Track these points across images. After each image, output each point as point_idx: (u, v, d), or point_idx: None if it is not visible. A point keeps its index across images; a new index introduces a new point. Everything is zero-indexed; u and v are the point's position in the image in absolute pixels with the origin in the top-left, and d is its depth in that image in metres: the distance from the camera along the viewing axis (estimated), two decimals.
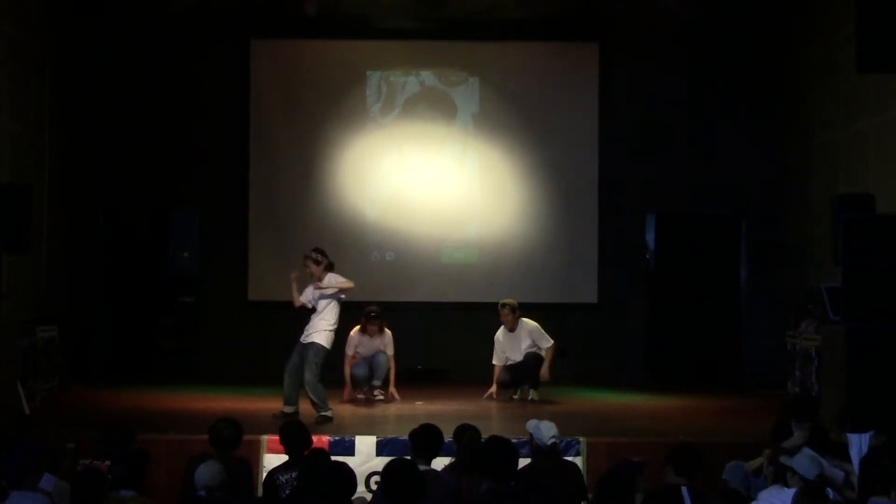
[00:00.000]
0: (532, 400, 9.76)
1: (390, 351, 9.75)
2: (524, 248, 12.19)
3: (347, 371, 9.70)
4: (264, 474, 7.37)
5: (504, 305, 9.87)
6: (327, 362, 8.83)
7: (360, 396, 9.71)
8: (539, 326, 9.91)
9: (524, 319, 9.89)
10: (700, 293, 12.45)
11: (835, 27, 10.20)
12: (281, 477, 6.03)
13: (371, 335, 9.69)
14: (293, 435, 6.28)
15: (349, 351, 9.69)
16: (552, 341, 9.88)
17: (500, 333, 9.95)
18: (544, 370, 9.75)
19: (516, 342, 9.84)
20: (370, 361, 9.73)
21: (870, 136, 9.58)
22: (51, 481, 5.39)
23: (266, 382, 10.94)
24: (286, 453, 6.30)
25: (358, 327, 9.71)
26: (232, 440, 6.18)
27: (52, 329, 10.25)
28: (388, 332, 9.80)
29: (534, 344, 9.82)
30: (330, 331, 8.74)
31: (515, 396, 9.89)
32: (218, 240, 12.19)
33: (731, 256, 12.50)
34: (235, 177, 12.16)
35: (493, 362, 9.98)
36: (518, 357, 9.83)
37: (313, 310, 8.84)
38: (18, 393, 8.67)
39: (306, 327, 8.83)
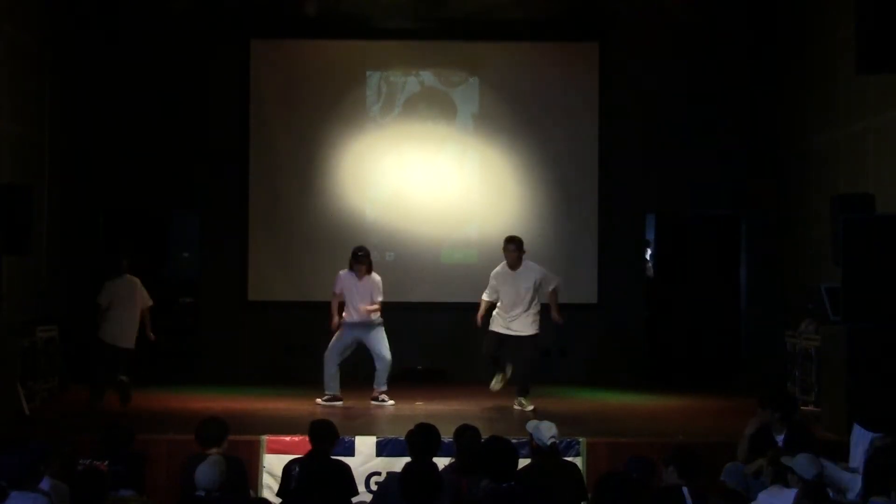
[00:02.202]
0: (523, 410, 9.12)
1: (379, 297, 9.47)
2: (534, 262, 12.17)
3: (335, 305, 9.50)
4: (264, 474, 7.42)
5: (511, 241, 9.36)
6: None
7: (332, 401, 9.45)
8: (544, 269, 9.48)
9: (528, 261, 9.43)
10: (700, 293, 12.45)
11: (835, 27, 10.20)
12: (294, 468, 6.13)
13: (360, 276, 9.43)
14: (319, 430, 6.31)
15: (336, 289, 9.49)
16: (558, 279, 9.45)
17: (500, 269, 9.39)
18: (556, 314, 9.27)
19: (517, 281, 9.29)
20: (365, 341, 9.50)
21: (870, 136, 9.58)
22: (47, 482, 5.39)
23: (266, 382, 10.99)
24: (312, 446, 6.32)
25: (346, 269, 9.54)
26: (218, 437, 6.18)
27: (52, 329, 10.25)
28: (376, 276, 9.53)
29: (537, 285, 9.27)
30: None
31: (497, 386, 9.35)
32: (218, 240, 12.18)
33: (731, 256, 12.51)
34: (235, 177, 12.16)
35: (483, 297, 9.46)
36: (515, 297, 9.24)
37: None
38: (18, 393, 8.67)
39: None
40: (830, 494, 5.26)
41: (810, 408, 9.31)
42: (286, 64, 12.32)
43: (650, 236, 12.62)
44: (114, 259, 9.83)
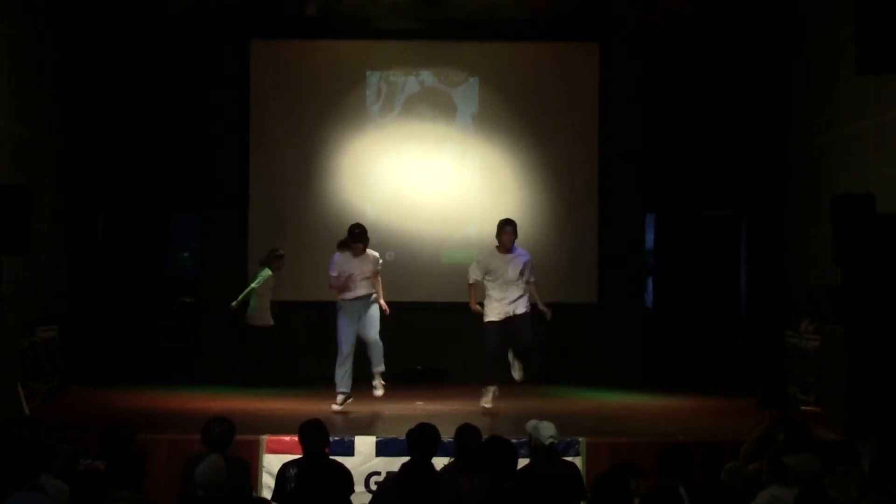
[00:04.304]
0: (514, 371, 9.02)
1: (377, 267, 9.32)
2: (524, 248, 12.16)
3: (337, 285, 9.29)
4: (264, 474, 7.43)
5: (509, 223, 9.17)
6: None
7: (346, 400, 9.24)
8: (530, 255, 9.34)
9: (517, 246, 9.28)
10: (700, 293, 12.45)
11: (835, 27, 10.20)
12: (291, 470, 6.09)
13: (356, 254, 9.22)
14: (309, 433, 6.25)
15: (333, 272, 9.24)
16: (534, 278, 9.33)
17: (490, 254, 9.22)
18: (544, 307, 9.21)
19: (511, 265, 9.13)
20: (359, 318, 9.26)
21: (870, 136, 9.58)
22: (47, 482, 5.39)
23: (266, 382, 10.98)
24: (303, 451, 6.27)
25: (340, 250, 9.33)
26: (224, 438, 6.16)
27: (52, 329, 10.25)
28: (372, 252, 9.35)
29: (525, 273, 9.14)
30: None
31: (519, 374, 9.11)
32: (218, 240, 12.18)
33: (731, 256, 12.51)
34: (235, 177, 12.16)
35: (470, 280, 9.22)
36: (511, 280, 9.07)
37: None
38: (18, 393, 8.67)
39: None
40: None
41: (810, 408, 9.30)
42: (286, 64, 12.32)
43: (650, 236, 12.60)
44: None
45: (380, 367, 9.39)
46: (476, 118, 12.33)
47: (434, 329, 11.91)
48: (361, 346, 9.39)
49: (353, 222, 11.90)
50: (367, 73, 12.30)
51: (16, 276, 9.33)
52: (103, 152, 11.91)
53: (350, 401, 9.25)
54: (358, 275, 9.27)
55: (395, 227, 12.13)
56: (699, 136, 12.16)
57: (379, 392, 9.37)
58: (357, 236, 9.23)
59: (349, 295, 9.26)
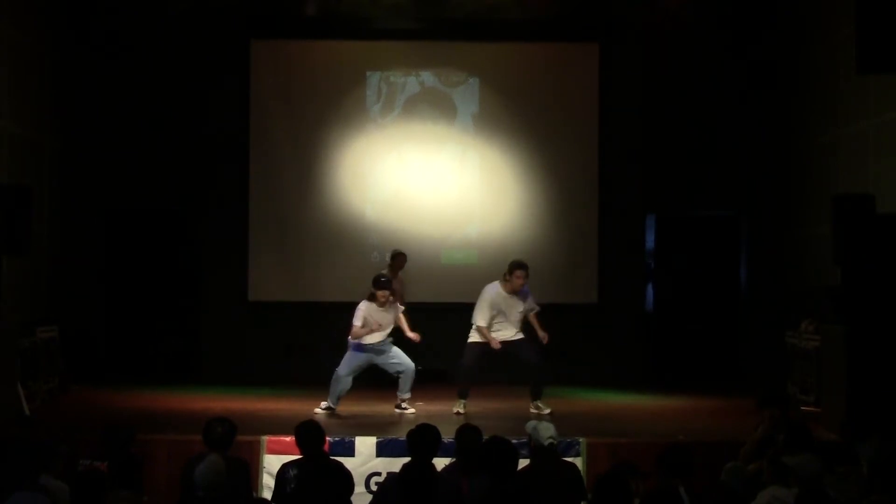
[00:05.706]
0: (540, 413, 9.01)
1: (404, 325, 9.37)
2: (524, 249, 12.10)
3: (365, 333, 9.13)
4: (265, 475, 7.43)
5: (522, 267, 9.15)
6: None
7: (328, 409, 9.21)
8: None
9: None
10: (700, 293, 12.45)
11: (835, 27, 10.20)
12: (291, 471, 6.08)
13: (380, 304, 9.13)
14: (305, 434, 6.24)
15: (358, 322, 9.06)
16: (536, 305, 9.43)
17: (497, 294, 9.21)
18: (543, 332, 9.28)
19: (515, 305, 9.23)
20: (378, 362, 9.30)
21: (870, 136, 9.59)
22: (47, 482, 5.39)
23: (266, 383, 10.99)
24: (300, 452, 6.26)
25: (367, 299, 9.24)
26: (225, 438, 6.15)
27: (52, 329, 10.25)
28: (399, 305, 9.44)
29: (528, 307, 9.31)
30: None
31: (461, 410, 9.22)
32: (218, 240, 12.18)
33: (731, 256, 12.51)
34: (235, 177, 12.15)
35: (480, 323, 9.18)
36: (513, 320, 9.21)
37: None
38: (18, 393, 8.67)
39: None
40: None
41: (810, 408, 9.30)
42: (286, 64, 12.32)
43: (650, 236, 12.60)
44: None
45: (405, 394, 9.34)
46: (476, 118, 12.33)
47: (434, 329, 11.85)
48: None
49: (353, 224, 11.98)
50: (368, 73, 12.30)
51: (16, 276, 9.34)
52: (103, 152, 11.91)
53: (330, 412, 9.16)
54: (383, 325, 9.18)
55: (395, 228, 12.13)
56: (699, 136, 12.16)
57: (411, 411, 9.29)
58: (382, 284, 9.17)
59: (368, 339, 9.17)
